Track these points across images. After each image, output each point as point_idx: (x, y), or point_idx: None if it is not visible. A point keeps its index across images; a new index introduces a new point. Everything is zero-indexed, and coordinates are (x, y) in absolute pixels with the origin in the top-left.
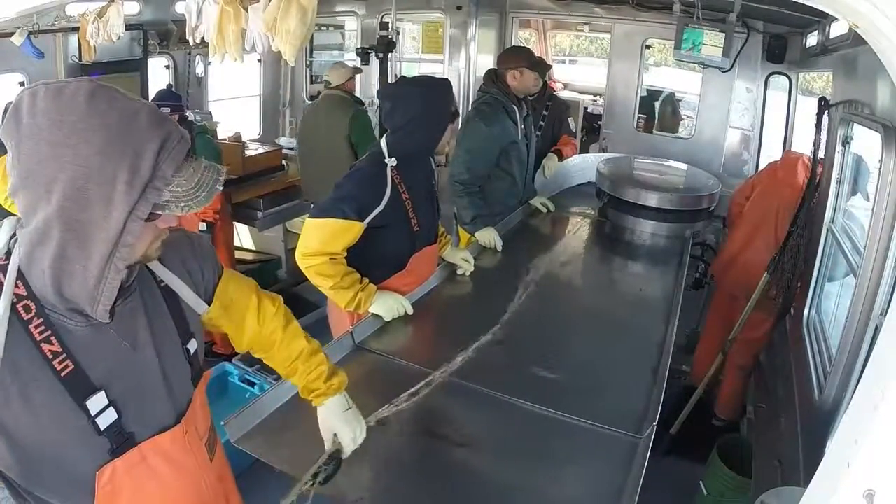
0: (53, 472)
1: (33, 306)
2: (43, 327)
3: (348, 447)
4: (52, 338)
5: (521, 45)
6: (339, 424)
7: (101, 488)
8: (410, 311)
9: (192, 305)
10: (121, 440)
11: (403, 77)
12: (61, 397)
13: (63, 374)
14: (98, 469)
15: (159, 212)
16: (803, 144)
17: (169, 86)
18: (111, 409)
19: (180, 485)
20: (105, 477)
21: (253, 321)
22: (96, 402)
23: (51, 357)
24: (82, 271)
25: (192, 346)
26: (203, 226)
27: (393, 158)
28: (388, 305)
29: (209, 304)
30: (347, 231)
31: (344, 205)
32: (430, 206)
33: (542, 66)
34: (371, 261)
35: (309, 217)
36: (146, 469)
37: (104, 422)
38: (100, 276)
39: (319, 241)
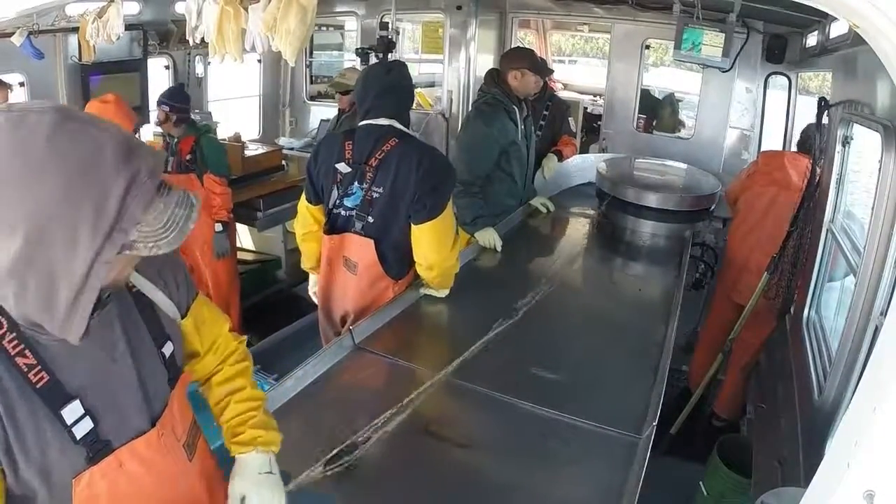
0: (36, 481)
1: (4, 322)
2: (16, 341)
3: None
4: (27, 351)
5: (523, 45)
6: (251, 488)
7: (78, 495)
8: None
9: (165, 311)
10: (97, 448)
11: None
12: (39, 408)
13: (38, 385)
14: (75, 477)
15: (126, 252)
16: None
17: (182, 84)
18: (87, 417)
19: (156, 488)
20: (81, 484)
21: (216, 350)
22: (72, 410)
23: (26, 370)
24: (49, 310)
25: (168, 349)
26: (219, 227)
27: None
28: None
29: (183, 317)
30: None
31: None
32: None
33: (543, 70)
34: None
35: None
36: (122, 474)
37: (80, 431)
38: (67, 313)
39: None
